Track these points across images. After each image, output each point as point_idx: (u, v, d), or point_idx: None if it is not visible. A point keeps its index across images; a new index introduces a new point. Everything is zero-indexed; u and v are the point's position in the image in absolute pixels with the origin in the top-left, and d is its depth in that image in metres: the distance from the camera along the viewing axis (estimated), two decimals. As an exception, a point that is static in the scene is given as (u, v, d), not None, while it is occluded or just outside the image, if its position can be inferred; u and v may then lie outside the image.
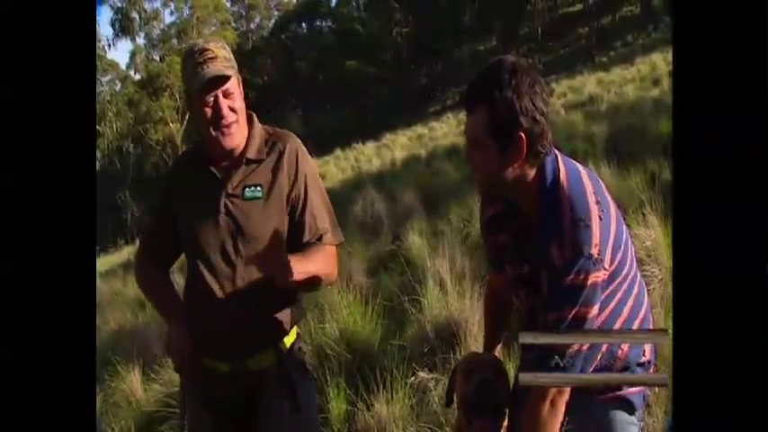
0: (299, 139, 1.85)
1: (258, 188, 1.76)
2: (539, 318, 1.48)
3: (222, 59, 1.69)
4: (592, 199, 1.44)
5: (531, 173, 1.47)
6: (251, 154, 1.77)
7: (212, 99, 1.69)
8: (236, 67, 1.74)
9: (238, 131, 1.74)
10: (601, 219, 1.42)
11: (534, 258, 1.50)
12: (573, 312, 1.41)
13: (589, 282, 1.40)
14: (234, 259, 1.75)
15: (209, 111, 1.70)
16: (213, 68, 1.67)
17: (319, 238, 1.78)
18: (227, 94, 1.70)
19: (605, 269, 1.42)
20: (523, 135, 1.41)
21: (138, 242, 2.02)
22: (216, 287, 1.75)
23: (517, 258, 1.58)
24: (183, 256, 1.92)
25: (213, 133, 1.71)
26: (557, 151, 1.50)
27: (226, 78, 1.69)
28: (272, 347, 1.80)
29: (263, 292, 1.73)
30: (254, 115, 1.84)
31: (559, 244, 1.41)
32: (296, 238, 1.76)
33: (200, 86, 1.67)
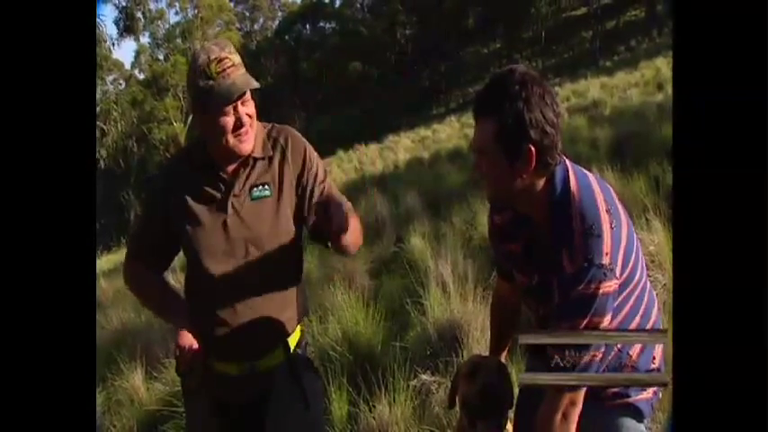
0: (297, 131, 1.84)
1: (266, 187, 1.74)
2: (551, 327, 1.48)
3: (239, 66, 1.66)
4: (603, 208, 1.43)
5: (541, 183, 1.47)
6: (257, 153, 1.75)
7: (232, 109, 1.66)
8: (242, 63, 1.70)
9: (252, 135, 1.72)
10: (612, 228, 1.41)
11: (545, 268, 1.49)
12: (585, 322, 1.40)
13: (601, 291, 1.39)
14: (242, 260, 1.73)
15: (228, 120, 1.67)
16: (239, 80, 1.64)
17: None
18: (244, 101, 1.68)
19: (617, 278, 1.41)
20: (532, 147, 1.40)
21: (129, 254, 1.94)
22: (224, 289, 1.73)
23: (527, 267, 1.58)
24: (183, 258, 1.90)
25: (231, 141, 1.68)
26: (567, 160, 1.50)
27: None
28: (282, 345, 1.80)
29: (270, 290, 1.74)
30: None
31: (570, 254, 1.40)
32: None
33: (228, 100, 1.63)
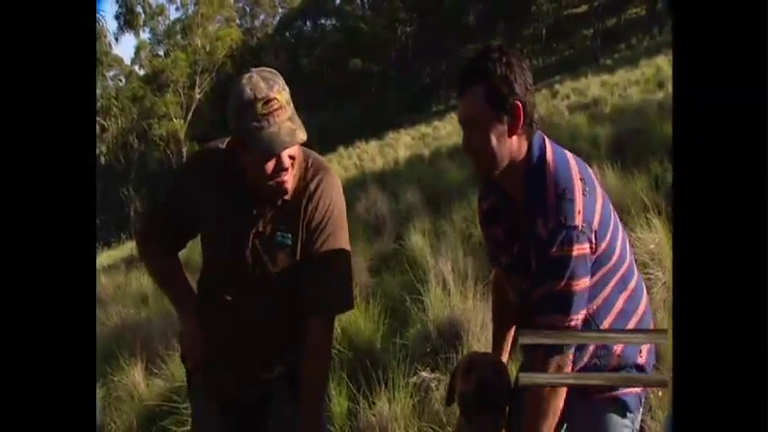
0: (332, 173, 1.75)
1: (288, 236, 1.68)
2: (529, 295, 1.51)
3: (286, 107, 1.55)
4: (576, 176, 1.49)
5: (523, 152, 1.52)
6: (288, 196, 1.67)
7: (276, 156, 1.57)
8: (290, 99, 1.60)
9: (291, 178, 1.64)
10: (585, 194, 1.47)
11: (523, 239, 1.53)
12: (561, 285, 1.44)
13: (574, 252, 1.43)
14: (253, 290, 1.71)
15: (270, 165, 1.57)
16: (285, 130, 1.53)
17: (322, 309, 1.70)
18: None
19: (590, 241, 1.45)
20: (519, 103, 1.47)
21: (143, 234, 1.94)
22: (231, 309, 1.73)
23: (509, 249, 1.61)
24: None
25: (269, 183, 1.60)
26: (545, 136, 1.56)
27: None
28: (283, 364, 1.79)
29: (279, 311, 1.73)
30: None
31: (544, 217, 1.45)
32: (302, 286, 1.70)
33: (270, 153, 1.55)
